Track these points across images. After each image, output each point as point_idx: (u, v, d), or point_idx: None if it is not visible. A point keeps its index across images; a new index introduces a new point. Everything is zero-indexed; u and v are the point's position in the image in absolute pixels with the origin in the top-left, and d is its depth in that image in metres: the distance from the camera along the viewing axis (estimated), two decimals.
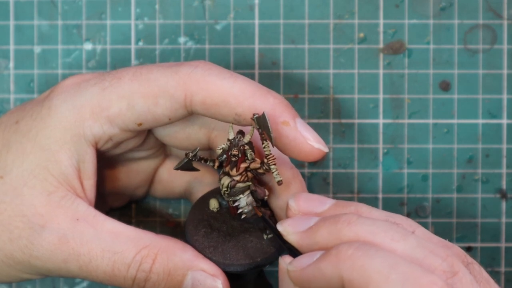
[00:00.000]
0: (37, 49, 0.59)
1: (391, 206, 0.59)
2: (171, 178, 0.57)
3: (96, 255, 0.47)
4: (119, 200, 0.58)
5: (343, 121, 0.59)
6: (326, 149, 0.48)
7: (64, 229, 0.48)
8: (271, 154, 0.47)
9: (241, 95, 0.47)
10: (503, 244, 0.59)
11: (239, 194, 0.48)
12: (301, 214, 0.47)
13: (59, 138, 0.49)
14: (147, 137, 0.52)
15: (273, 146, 0.47)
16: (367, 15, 0.59)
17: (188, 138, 0.52)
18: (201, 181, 0.56)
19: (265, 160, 0.47)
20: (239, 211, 0.49)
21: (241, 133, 0.48)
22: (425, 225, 0.56)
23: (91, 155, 0.49)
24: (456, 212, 0.59)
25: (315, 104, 0.59)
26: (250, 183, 0.48)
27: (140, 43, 0.59)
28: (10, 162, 0.49)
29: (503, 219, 0.59)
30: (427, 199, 0.59)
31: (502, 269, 0.59)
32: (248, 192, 0.49)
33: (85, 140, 0.49)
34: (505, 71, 0.58)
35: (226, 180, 0.48)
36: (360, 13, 0.59)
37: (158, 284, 0.48)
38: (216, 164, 0.49)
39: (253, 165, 0.48)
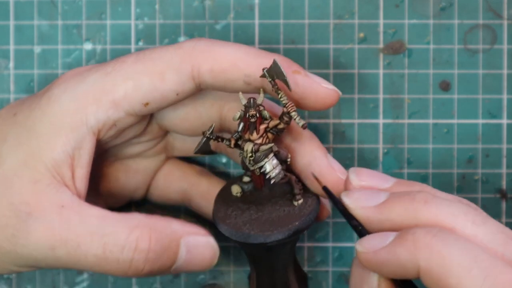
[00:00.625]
0: (37, 49, 0.59)
1: None
2: (167, 184, 0.56)
3: (85, 240, 0.46)
4: (117, 201, 0.57)
5: (343, 121, 0.59)
6: (339, 92, 0.48)
7: (50, 216, 0.47)
8: (289, 101, 0.47)
9: (247, 57, 0.48)
10: None
11: (264, 159, 0.48)
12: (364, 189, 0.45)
13: (57, 124, 0.48)
14: (148, 124, 0.52)
15: (290, 90, 0.47)
16: (367, 15, 0.59)
17: (200, 117, 0.52)
18: (198, 188, 0.56)
19: (284, 110, 0.47)
20: (267, 176, 0.49)
21: (252, 98, 0.48)
22: None
23: (90, 143, 0.48)
24: None
25: None
26: (273, 144, 0.48)
27: (140, 43, 0.59)
28: (5, 154, 0.48)
29: (503, 219, 0.59)
30: None
31: None
32: (272, 155, 0.49)
33: (86, 127, 0.48)
34: (505, 71, 0.58)
35: (249, 146, 0.48)
36: (360, 13, 0.59)
37: (156, 262, 0.46)
38: (233, 142, 0.49)
39: (272, 123, 0.48)
